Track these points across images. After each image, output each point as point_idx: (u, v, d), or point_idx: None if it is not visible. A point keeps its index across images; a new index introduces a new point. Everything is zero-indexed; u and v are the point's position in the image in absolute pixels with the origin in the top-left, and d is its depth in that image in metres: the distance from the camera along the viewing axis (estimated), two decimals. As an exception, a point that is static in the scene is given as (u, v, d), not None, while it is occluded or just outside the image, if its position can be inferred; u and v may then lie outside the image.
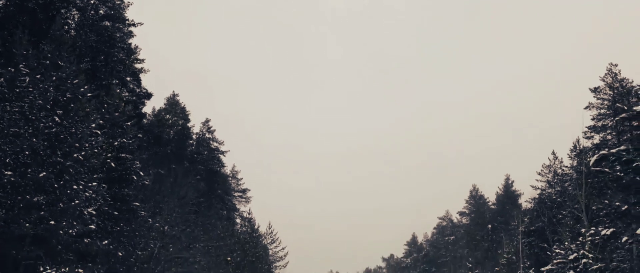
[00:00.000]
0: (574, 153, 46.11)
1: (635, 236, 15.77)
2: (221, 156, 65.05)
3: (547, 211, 41.31)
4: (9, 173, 20.46)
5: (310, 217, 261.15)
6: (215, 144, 64.44)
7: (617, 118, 19.08)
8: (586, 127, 42.20)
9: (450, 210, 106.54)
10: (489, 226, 74.20)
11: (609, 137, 38.25)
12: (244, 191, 73.64)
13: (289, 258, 70.25)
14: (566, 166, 50.39)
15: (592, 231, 20.58)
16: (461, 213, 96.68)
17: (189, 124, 60.33)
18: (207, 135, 63.72)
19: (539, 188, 57.72)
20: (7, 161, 20.69)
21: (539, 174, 59.17)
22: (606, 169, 17.59)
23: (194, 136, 62.92)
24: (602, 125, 36.91)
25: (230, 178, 71.78)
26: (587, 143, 42.54)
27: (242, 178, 73.23)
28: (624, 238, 16.04)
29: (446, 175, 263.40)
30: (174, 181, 39.64)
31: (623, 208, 16.93)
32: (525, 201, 65.86)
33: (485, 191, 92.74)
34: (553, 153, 57.57)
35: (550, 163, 56.52)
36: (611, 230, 16.98)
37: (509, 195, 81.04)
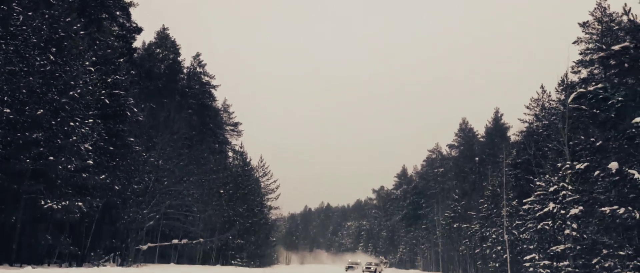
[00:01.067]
0: (561, 87, 46.79)
1: (608, 170, 16.69)
2: (212, 90, 65.22)
3: (534, 145, 42.08)
4: (8, 111, 21.00)
5: (302, 151, 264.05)
6: (206, 78, 64.48)
7: (597, 56, 19.58)
8: (573, 62, 42.73)
9: (440, 143, 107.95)
10: (477, 159, 75.56)
11: (596, 72, 38.88)
12: (236, 124, 74.04)
13: (281, 191, 71.76)
14: (554, 100, 51.22)
15: (568, 165, 21.52)
16: (450, 146, 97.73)
17: (180, 58, 60.22)
18: (198, 69, 63.66)
19: (526, 122, 58.73)
20: (5, 99, 21.18)
21: (527, 107, 60.10)
22: (583, 107, 18.28)
23: (185, 71, 62.90)
24: (590, 60, 37.36)
25: (221, 112, 72.02)
26: (574, 78, 43.20)
27: (233, 112, 73.65)
28: (596, 173, 16.95)
29: (437, 107, 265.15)
30: (167, 116, 40.15)
31: (598, 144, 17.76)
32: (513, 135, 66.97)
33: (475, 124, 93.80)
34: (541, 86, 58.27)
35: (538, 97, 57.37)
36: (585, 164, 17.86)
37: (498, 128, 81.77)
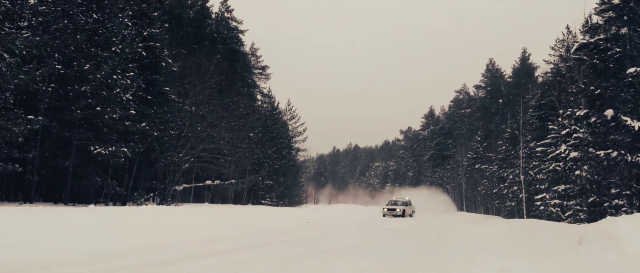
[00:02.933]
0: (585, 28, 47.07)
1: (603, 117, 18.13)
2: (240, 35, 66.62)
3: (557, 86, 42.61)
4: (59, 67, 23.27)
5: (330, 92, 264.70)
6: (234, 23, 65.84)
7: (603, 7, 20.55)
8: (596, 3, 43.04)
9: (467, 84, 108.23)
10: (500, 100, 76.24)
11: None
12: (264, 68, 75.46)
13: (310, 132, 73.96)
14: (577, 42, 51.44)
15: (569, 112, 22.87)
16: (477, 87, 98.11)
17: (208, 4, 61.58)
18: (226, 14, 65.01)
19: (551, 63, 59.06)
20: (56, 56, 23.39)
21: (552, 49, 60.33)
22: (584, 57, 19.57)
23: (213, 16, 64.25)
24: (607, 7, 37.83)
25: (250, 56, 73.43)
26: (599, 19, 43.49)
27: (261, 56, 75.09)
28: (593, 119, 18.38)
29: (464, 49, 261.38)
30: (198, 63, 42.09)
31: (596, 92, 19.15)
32: (540, 75, 67.23)
33: (502, 64, 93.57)
34: (567, 27, 58.32)
35: (563, 37, 57.57)
36: (585, 110, 19.25)
37: (525, 68, 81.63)
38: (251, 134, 53.65)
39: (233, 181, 48.58)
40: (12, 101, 21.08)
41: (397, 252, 11.79)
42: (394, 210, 42.09)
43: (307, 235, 17.43)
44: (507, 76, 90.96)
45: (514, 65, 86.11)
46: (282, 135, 63.64)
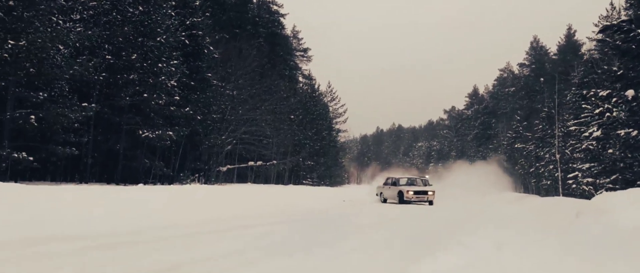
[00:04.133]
0: (629, 3, 46.35)
1: (624, 97, 18.66)
2: (281, 18, 67.85)
3: (601, 64, 42.22)
4: (109, 57, 25.12)
5: (372, 72, 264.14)
6: (275, 7, 67.10)
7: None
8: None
9: (511, 62, 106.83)
10: (541, 79, 75.36)
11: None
12: (305, 50, 76.55)
13: (353, 113, 74.86)
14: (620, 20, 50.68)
15: (592, 92, 23.21)
16: (521, 65, 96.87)
17: (250, -11, 62.86)
18: (267, -2, 66.31)
19: (594, 40, 58.15)
20: (106, 47, 25.23)
21: (596, 26, 59.30)
22: (607, 39, 20.03)
23: (254, 1, 65.59)
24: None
25: (291, 38, 74.57)
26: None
27: (302, 38, 76.18)
28: (614, 99, 18.88)
29: (507, 27, 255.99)
30: (239, 47, 43.62)
31: (619, 73, 19.64)
32: (585, 52, 66.12)
33: (547, 42, 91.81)
34: (611, 3, 57.24)
35: (607, 14, 56.59)
36: (607, 91, 19.73)
37: (570, 45, 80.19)
38: (292, 116, 55.12)
39: (274, 162, 50.28)
40: (67, 90, 22.97)
41: (414, 228, 12.90)
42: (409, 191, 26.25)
43: (339, 212, 18.64)
44: (552, 54, 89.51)
45: (559, 42, 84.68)
46: (323, 116, 64.87)
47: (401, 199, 26.00)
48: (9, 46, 19.47)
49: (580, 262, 6.62)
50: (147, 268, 5.80)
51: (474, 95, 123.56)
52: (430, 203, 26.17)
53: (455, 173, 63.24)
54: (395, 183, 27.82)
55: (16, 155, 20.51)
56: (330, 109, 72.96)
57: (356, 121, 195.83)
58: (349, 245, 8.63)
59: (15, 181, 20.37)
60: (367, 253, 7.85)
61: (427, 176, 33.85)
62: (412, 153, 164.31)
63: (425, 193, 26.37)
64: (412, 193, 25.84)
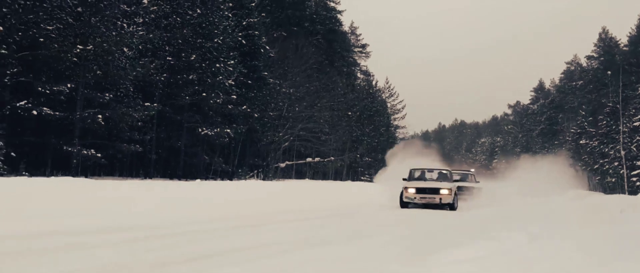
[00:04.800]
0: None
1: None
2: (338, 15, 68.28)
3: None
4: (169, 58, 26.40)
5: (433, 66, 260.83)
6: (332, 4, 67.58)
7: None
8: None
9: (578, 54, 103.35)
10: (608, 72, 72.65)
11: None
12: (364, 46, 76.47)
13: (411, 109, 74.23)
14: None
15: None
16: (589, 57, 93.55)
17: (307, -13, 63.53)
18: (324, -4, 66.77)
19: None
20: (167, 48, 26.51)
21: (668, 16, 56.65)
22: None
23: (311, -2, 66.18)
24: None
25: (349, 34, 74.76)
26: None
27: (361, 34, 76.17)
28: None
29: (574, 18, 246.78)
30: (296, 45, 44.47)
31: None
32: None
33: (618, 33, 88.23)
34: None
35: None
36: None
37: (643, 35, 76.84)
38: (350, 113, 55.52)
39: (332, 158, 50.94)
40: (132, 90, 24.33)
41: (451, 223, 13.11)
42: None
43: (385, 208, 18.96)
44: (622, 45, 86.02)
45: (630, 33, 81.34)
46: (381, 113, 64.91)
47: (401, 201, 18.05)
48: (78, 50, 20.87)
49: (603, 256, 6.82)
50: (191, 254, 6.46)
51: (540, 89, 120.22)
52: (451, 207, 17.66)
53: (518, 170, 61.21)
54: (411, 177, 19.39)
55: (86, 152, 22.00)
56: (389, 105, 72.80)
57: (417, 117, 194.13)
58: (383, 239, 9.06)
59: (86, 177, 21.82)
60: (395, 244, 8.27)
61: (472, 170, 26.70)
62: (474, 149, 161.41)
63: (436, 191, 17.53)
64: (413, 191, 17.51)
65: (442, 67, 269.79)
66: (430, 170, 20.15)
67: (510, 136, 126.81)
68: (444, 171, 19.53)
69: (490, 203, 20.06)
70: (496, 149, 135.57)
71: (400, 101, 75.25)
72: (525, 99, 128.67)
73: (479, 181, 24.76)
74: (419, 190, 17.68)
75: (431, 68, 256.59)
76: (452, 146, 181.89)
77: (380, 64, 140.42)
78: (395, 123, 73.44)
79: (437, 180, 18.85)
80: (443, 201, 17.25)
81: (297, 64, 42.33)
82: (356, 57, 75.73)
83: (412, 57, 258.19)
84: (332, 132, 49.10)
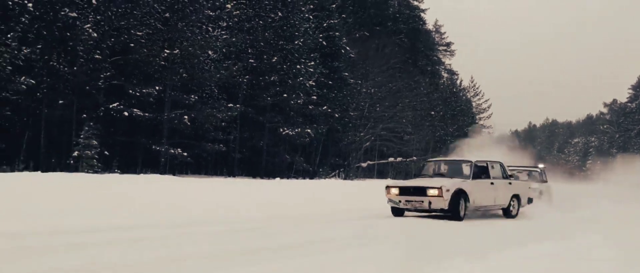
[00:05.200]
0: None
1: None
2: (422, 13, 67.55)
3: None
4: (252, 60, 27.24)
5: (522, 63, 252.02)
6: (415, 2, 66.95)
7: None
8: None
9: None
10: None
11: None
12: (448, 44, 75.09)
13: (498, 107, 71.78)
14: None
15: None
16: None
17: (389, -14, 63.28)
18: (407, -5, 66.24)
19: None
20: (250, 51, 27.37)
21: None
22: None
23: (394, -3, 65.85)
24: None
25: (433, 33, 73.75)
26: None
27: (445, 32, 74.85)
28: None
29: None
30: (378, 44, 44.43)
31: None
32: None
33: None
34: None
35: None
36: None
37: None
38: (433, 113, 54.73)
39: (415, 158, 50.39)
40: (216, 92, 25.30)
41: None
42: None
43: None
44: None
45: None
46: (465, 112, 63.57)
47: (392, 208, 12.98)
48: (165, 54, 22.01)
49: None
50: (254, 246, 6.76)
51: (639, 86, 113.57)
52: (448, 212, 11.98)
53: (614, 172, 57.90)
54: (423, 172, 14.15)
55: (173, 151, 23.15)
56: (474, 104, 71.10)
57: (502, 117, 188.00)
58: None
59: (173, 175, 22.92)
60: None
61: (540, 166, 20.88)
62: (567, 150, 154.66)
63: (423, 191, 12.03)
64: (396, 191, 12.54)
65: (533, 64, 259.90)
66: (455, 162, 13.94)
67: (605, 136, 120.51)
68: (483, 164, 13.10)
69: (559, 209, 15.74)
70: (590, 149, 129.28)
71: (486, 100, 73.34)
72: (623, 97, 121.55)
73: (546, 181, 19.62)
74: (403, 191, 12.21)
75: (520, 65, 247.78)
76: (543, 146, 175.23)
77: (466, 62, 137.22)
78: (481, 122, 71.64)
79: (451, 175, 12.87)
80: (433, 206, 11.72)
81: (379, 64, 42.26)
82: (440, 56, 74.62)
83: (499, 55, 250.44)
84: (415, 132, 48.61)
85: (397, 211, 12.64)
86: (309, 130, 30.08)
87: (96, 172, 18.62)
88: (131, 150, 23.92)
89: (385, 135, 43.58)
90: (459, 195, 11.81)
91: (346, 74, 35.42)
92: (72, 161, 19.44)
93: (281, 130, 29.31)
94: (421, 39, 66.49)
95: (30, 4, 17.44)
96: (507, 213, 13.63)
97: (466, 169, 12.83)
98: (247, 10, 27.79)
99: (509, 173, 14.11)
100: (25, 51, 17.16)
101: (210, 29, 24.99)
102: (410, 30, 63.89)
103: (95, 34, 19.65)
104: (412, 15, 65.90)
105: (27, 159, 19.19)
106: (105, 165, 20.64)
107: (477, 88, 71.99)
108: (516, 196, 13.76)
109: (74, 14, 19.09)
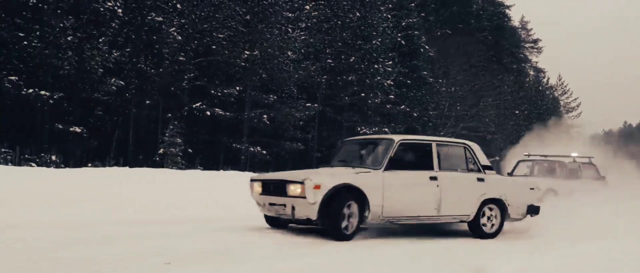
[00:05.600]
0: None
1: None
2: (506, 10, 65.69)
3: None
4: (330, 60, 27.59)
5: (613, 60, 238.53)
6: (499, -1, 65.22)
7: None
8: None
9: None
10: None
11: None
12: (535, 41, 72.67)
13: (586, 107, 68.75)
14: None
15: None
16: None
17: (473, -17, 61.94)
18: (490, -9, 64.56)
19: None
20: (327, 51, 27.76)
21: None
22: None
23: (478, -6, 64.40)
24: None
25: (519, 30, 71.54)
26: None
27: (531, 29, 72.36)
28: None
29: None
30: (458, 45, 43.57)
31: None
32: None
33: None
34: None
35: None
36: None
37: None
38: (517, 112, 53.09)
39: (497, 158, 49.02)
40: (295, 92, 25.83)
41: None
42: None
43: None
44: None
45: None
46: (551, 111, 61.19)
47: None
48: (245, 55, 22.74)
49: None
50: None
51: None
52: (319, 224, 7.08)
53: None
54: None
55: (252, 149, 23.88)
56: (562, 103, 68.28)
57: (597, 115, 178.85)
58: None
59: (253, 172, 23.63)
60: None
61: (589, 157, 15.92)
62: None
63: (283, 188, 7.15)
64: (260, 189, 7.72)
65: (630, 60, 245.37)
66: (370, 142, 8.76)
67: None
68: (416, 143, 8.16)
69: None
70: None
71: (575, 99, 70.24)
72: None
73: (604, 177, 15.39)
74: (266, 187, 7.73)
75: (614, 62, 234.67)
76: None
77: (554, 60, 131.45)
78: (569, 122, 68.73)
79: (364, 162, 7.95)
80: (297, 214, 7.07)
81: (460, 62, 41.49)
82: (527, 53, 72.28)
83: (589, 51, 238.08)
84: (498, 131, 47.36)
85: (273, 220, 7.86)
86: (386, 129, 30.07)
87: (180, 168, 19.52)
88: (213, 148, 24.84)
89: (466, 134, 42.60)
90: (343, 197, 6.86)
91: (425, 73, 35.10)
92: (157, 158, 20.49)
93: (359, 129, 29.47)
94: (506, 36, 64.62)
95: (119, 10, 18.53)
96: (476, 229, 8.15)
97: (379, 153, 7.75)
98: (325, 11, 28.15)
99: (486, 163, 8.49)
100: (115, 54, 18.25)
101: (289, 30, 25.57)
102: (495, 28, 62.25)
103: (179, 37, 20.63)
104: (496, 12, 64.20)
105: (116, 156, 20.37)
106: (189, 162, 21.57)
107: (565, 86, 69.12)
108: (496, 203, 8.23)
109: (160, 18, 20.13)
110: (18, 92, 16.64)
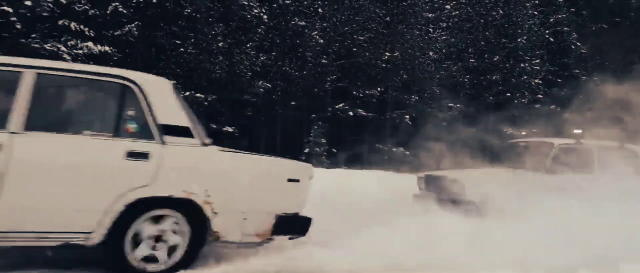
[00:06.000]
0: None
1: None
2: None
3: None
4: (472, 60, 27.01)
5: None
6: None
7: None
8: None
9: None
10: None
11: None
12: None
13: None
14: None
15: None
16: None
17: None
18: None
19: None
20: (470, 50, 27.20)
21: None
22: None
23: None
24: None
25: (691, 22, 64.65)
26: None
27: None
28: None
29: None
30: (613, 42, 40.35)
31: None
32: None
33: None
34: None
35: None
36: None
37: None
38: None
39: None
40: (437, 92, 25.60)
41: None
42: None
43: None
44: None
45: None
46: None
47: None
48: (386, 57, 23.03)
49: None
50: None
51: None
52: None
53: None
54: None
55: (394, 149, 24.03)
56: None
57: None
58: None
59: (396, 171, 23.78)
60: None
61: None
62: None
63: None
64: None
65: None
66: None
67: None
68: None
69: None
70: None
71: None
72: None
73: None
74: None
75: None
76: None
77: None
78: None
79: None
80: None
81: (617, 59, 38.41)
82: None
83: None
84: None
85: None
86: (534, 130, 28.73)
87: (325, 167, 20.21)
88: (356, 148, 25.36)
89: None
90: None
91: (577, 71, 32.97)
92: (304, 157, 21.39)
93: (504, 130, 28.48)
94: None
95: (265, 16, 19.72)
96: (119, 260, 3.85)
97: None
98: (467, 10, 27.62)
99: (176, 123, 4.20)
100: (261, 58, 19.46)
101: (430, 30, 25.47)
102: (657, 21, 56.85)
103: (321, 41, 21.45)
104: (660, 4, 58.59)
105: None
106: (332, 161, 22.23)
107: None
108: (178, 207, 4.02)
109: (303, 23, 21.10)
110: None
